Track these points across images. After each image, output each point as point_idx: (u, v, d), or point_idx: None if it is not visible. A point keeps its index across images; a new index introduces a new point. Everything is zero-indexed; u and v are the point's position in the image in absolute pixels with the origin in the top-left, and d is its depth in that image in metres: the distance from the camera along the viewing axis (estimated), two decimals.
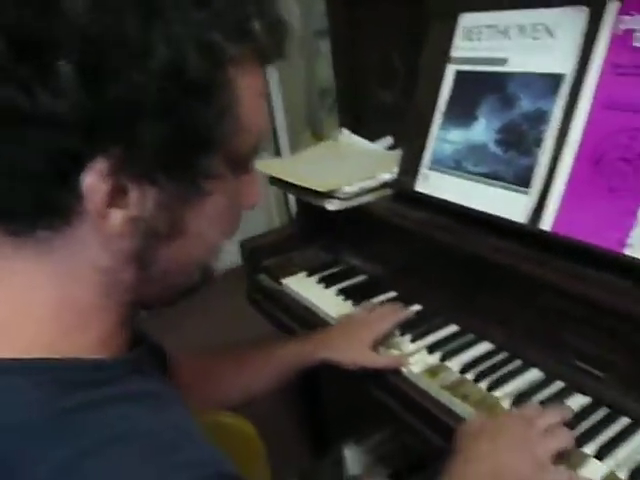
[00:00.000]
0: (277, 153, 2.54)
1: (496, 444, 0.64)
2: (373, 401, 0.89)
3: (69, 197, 0.41)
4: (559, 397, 0.75)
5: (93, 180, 0.40)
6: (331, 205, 0.99)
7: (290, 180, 1.05)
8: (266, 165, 1.14)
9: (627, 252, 0.68)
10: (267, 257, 1.20)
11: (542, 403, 0.74)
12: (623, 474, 0.63)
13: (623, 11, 0.70)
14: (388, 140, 1.21)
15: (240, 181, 0.49)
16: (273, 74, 2.44)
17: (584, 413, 0.72)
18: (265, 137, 0.50)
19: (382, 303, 1.00)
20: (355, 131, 1.27)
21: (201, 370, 0.84)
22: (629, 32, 0.70)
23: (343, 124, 1.30)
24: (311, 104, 2.54)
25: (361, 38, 1.22)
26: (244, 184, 0.50)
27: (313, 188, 0.99)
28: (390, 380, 0.85)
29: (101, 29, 0.37)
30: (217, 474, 0.43)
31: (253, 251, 1.21)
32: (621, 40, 0.70)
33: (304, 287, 1.10)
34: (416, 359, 0.86)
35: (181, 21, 0.39)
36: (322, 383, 1.35)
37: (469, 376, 0.81)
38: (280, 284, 1.13)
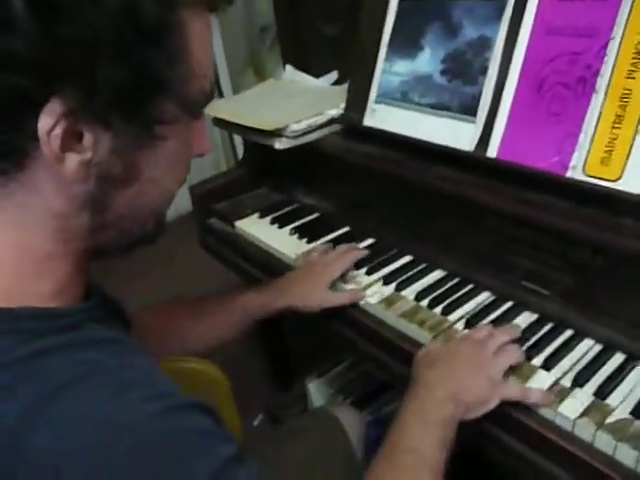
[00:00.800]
0: (219, 94, 2.46)
1: (452, 368, 0.67)
2: (334, 335, 0.92)
3: (24, 140, 0.41)
4: (508, 316, 0.80)
5: (48, 122, 0.40)
6: (279, 144, 0.98)
7: (235, 120, 1.03)
8: (209, 106, 1.11)
9: (569, 174, 0.70)
10: (217, 201, 1.19)
11: (494, 322, 0.78)
12: (567, 382, 0.68)
13: None
14: (333, 75, 1.19)
15: (191, 127, 0.49)
16: None
17: (531, 328, 0.77)
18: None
19: (337, 239, 1.02)
20: (299, 67, 1.24)
21: (162, 322, 0.84)
22: None
23: (286, 61, 1.27)
24: (252, 42, 2.45)
25: None
26: (194, 131, 0.50)
27: (260, 127, 0.97)
28: (349, 313, 0.87)
29: None
30: (182, 404, 0.44)
31: (203, 195, 1.19)
32: None
33: (257, 228, 1.10)
34: (373, 290, 0.88)
35: None
36: (284, 321, 1.38)
37: (424, 303, 0.84)
38: (233, 227, 1.13)
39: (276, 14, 1.24)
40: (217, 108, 1.12)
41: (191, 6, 0.44)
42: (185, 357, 0.83)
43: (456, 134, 0.82)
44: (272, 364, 1.49)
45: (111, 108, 0.41)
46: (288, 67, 1.24)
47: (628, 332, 0.70)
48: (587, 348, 0.73)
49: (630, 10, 0.65)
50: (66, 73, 0.39)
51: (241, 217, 1.13)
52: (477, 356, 0.68)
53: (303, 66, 1.24)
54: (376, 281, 0.90)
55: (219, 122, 1.10)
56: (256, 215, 1.14)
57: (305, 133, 1.00)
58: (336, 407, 0.99)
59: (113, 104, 0.41)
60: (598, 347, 0.73)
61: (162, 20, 0.41)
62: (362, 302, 0.87)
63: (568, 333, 0.75)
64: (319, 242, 1.01)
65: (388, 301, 0.86)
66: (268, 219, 1.12)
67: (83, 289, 0.51)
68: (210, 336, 0.87)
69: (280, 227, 1.09)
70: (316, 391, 1.31)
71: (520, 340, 0.73)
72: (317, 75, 1.21)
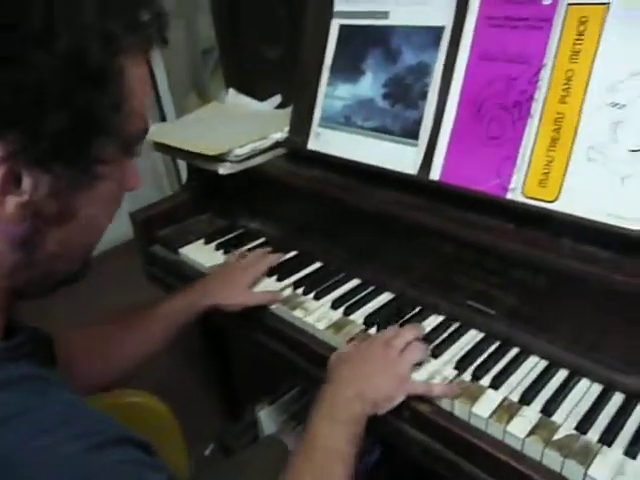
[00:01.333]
0: (162, 118, 2.41)
1: (361, 368, 0.71)
2: (284, 362, 0.90)
3: None
4: (456, 335, 0.80)
5: None
6: (223, 169, 0.97)
7: (178, 145, 1.01)
8: (150, 131, 1.08)
9: (509, 197, 0.72)
10: (160, 227, 1.15)
11: (443, 343, 0.78)
12: (515, 399, 0.69)
13: None
14: (277, 98, 1.19)
15: (125, 165, 0.51)
16: None
17: (479, 346, 0.78)
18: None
19: (284, 264, 1.01)
20: (242, 90, 1.24)
21: (90, 342, 0.83)
22: None
23: (229, 84, 1.26)
24: (194, 65, 2.43)
25: None
26: (129, 167, 0.52)
27: (203, 152, 0.95)
28: (298, 340, 0.86)
29: (4, 12, 0.38)
30: (112, 439, 0.44)
31: (145, 222, 1.16)
32: None
33: (202, 255, 1.07)
34: (321, 315, 0.87)
35: (83, 10, 0.41)
36: (231, 349, 1.35)
37: (373, 327, 0.83)
38: (177, 254, 1.10)
39: (217, 37, 1.23)
40: (159, 132, 1.10)
41: (131, 52, 0.45)
42: (125, 391, 0.80)
43: (399, 157, 0.82)
44: (221, 393, 1.45)
45: (53, 153, 0.42)
46: (231, 90, 1.23)
47: (571, 348, 0.72)
48: (533, 365, 0.74)
49: (559, 39, 0.68)
50: (9, 118, 0.39)
51: (185, 243, 1.11)
52: (385, 355, 0.72)
53: (246, 89, 1.23)
54: (325, 305, 0.89)
55: (161, 147, 1.08)
56: (201, 241, 1.11)
57: (249, 157, 0.99)
58: (287, 434, 0.98)
59: (55, 149, 0.42)
60: (543, 363, 0.74)
61: (106, 65, 0.43)
62: (310, 328, 0.86)
63: (514, 351, 0.77)
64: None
65: (337, 326, 0.85)
66: (213, 245, 1.10)
67: (3, 327, 0.49)
68: (139, 348, 0.86)
69: (226, 253, 1.07)
70: (267, 418, 1.29)
71: (467, 359, 0.75)
72: (261, 98, 1.20)
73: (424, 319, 0.84)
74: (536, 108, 0.70)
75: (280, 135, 1.02)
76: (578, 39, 0.66)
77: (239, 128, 1.08)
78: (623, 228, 0.63)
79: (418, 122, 0.81)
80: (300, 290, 0.94)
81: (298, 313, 0.89)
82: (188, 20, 2.31)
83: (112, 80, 0.44)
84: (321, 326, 0.85)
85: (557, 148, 0.68)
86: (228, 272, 0.95)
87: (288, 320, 0.89)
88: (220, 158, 0.97)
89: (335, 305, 0.89)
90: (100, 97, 0.43)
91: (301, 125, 0.97)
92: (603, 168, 0.65)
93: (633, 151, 0.63)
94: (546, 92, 0.69)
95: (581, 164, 0.66)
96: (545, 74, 0.69)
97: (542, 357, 0.75)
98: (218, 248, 1.09)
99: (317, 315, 0.88)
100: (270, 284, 0.96)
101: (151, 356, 0.87)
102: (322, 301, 0.91)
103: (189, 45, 2.38)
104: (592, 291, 0.66)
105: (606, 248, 0.66)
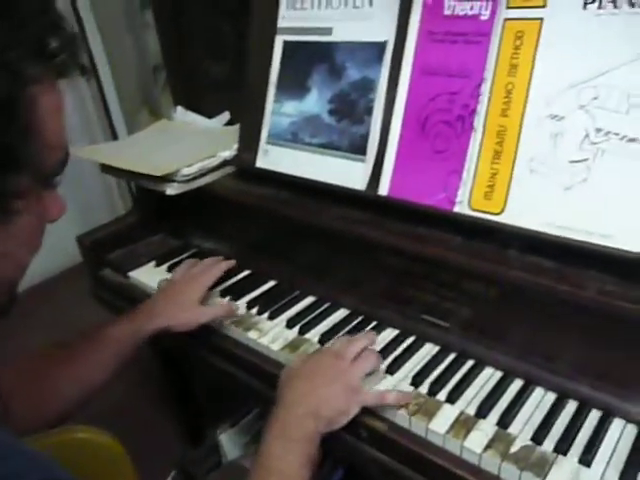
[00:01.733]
0: (114, 136, 2.36)
1: (312, 383, 0.69)
2: (241, 386, 0.88)
3: None
4: (412, 349, 0.80)
5: None
6: (171, 189, 0.94)
7: (123, 166, 0.98)
8: (94, 151, 1.05)
9: (456, 210, 0.72)
10: (109, 250, 1.12)
11: (399, 358, 0.78)
12: (472, 412, 0.68)
13: None
14: (226, 115, 1.17)
15: (45, 197, 0.49)
16: (99, 51, 2.25)
17: (435, 360, 0.77)
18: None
19: (238, 283, 0.99)
20: (191, 108, 1.22)
21: (24, 378, 0.78)
22: (439, 0, 0.73)
23: (177, 102, 1.24)
24: (145, 81, 2.39)
25: (186, 6, 1.15)
26: (48, 199, 0.50)
27: (149, 173, 0.93)
28: (253, 362, 0.84)
29: None
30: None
31: (93, 245, 1.12)
32: (433, 8, 0.74)
33: (154, 278, 1.04)
34: (276, 335, 0.86)
35: None
36: (189, 370, 1.31)
37: (329, 344, 0.82)
38: (127, 277, 1.06)
39: (163, 54, 1.21)
40: (103, 153, 1.07)
41: (40, 81, 0.44)
42: (71, 427, 0.76)
43: (348, 173, 0.82)
44: (181, 417, 1.41)
45: None
46: (179, 108, 1.21)
47: (524, 358, 0.72)
48: (488, 376, 0.74)
49: (498, 54, 0.69)
50: None
51: (136, 266, 1.08)
52: (335, 366, 0.70)
53: (195, 106, 1.21)
54: (279, 325, 0.88)
55: (107, 168, 1.05)
56: (152, 264, 1.08)
57: (197, 177, 0.97)
58: (250, 458, 0.95)
59: None
60: (498, 374, 0.74)
61: (13, 97, 0.41)
62: (265, 349, 0.84)
63: (470, 363, 0.76)
64: (220, 288, 0.98)
65: (292, 346, 0.83)
66: (165, 267, 1.07)
67: None
68: (85, 378, 0.82)
69: None
70: (228, 442, 1.25)
71: (423, 372, 0.74)
72: (209, 115, 1.19)
73: (379, 334, 0.84)
74: (479, 121, 0.70)
75: (229, 153, 1.00)
76: (515, 53, 0.67)
77: (187, 146, 1.06)
78: (567, 238, 0.64)
79: (365, 138, 0.80)
80: (254, 310, 0.92)
81: (252, 334, 0.87)
82: (137, 35, 2.27)
83: (22, 112, 0.42)
84: (276, 347, 0.83)
85: (501, 161, 0.69)
86: (175, 288, 0.90)
87: (242, 342, 0.87)
88: (167, 178, 0.95)
89: (290, 324, 0.87)
90: (10, 130, 0.42)
91: (249, 143, 0.96)
92: (545, 179, 0.65)
93: (573, 162, 0.64)
94: (487, 105, 0.69)
95: (524, 176, 0.67)
96: (486, 88, 0.70)
97: (497, 368, 0.75)
98: (170, 270, 1.06)
99: (272, 335, 0.86)
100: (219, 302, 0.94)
101: (97, 387, 0.82)
102: (277, 320, 0.89)
103: (139, 61, 2.34)
104: (539, 301, 0.67)
105: (551, 258, 0.66)
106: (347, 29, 0.83)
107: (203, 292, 0.88)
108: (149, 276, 1.05)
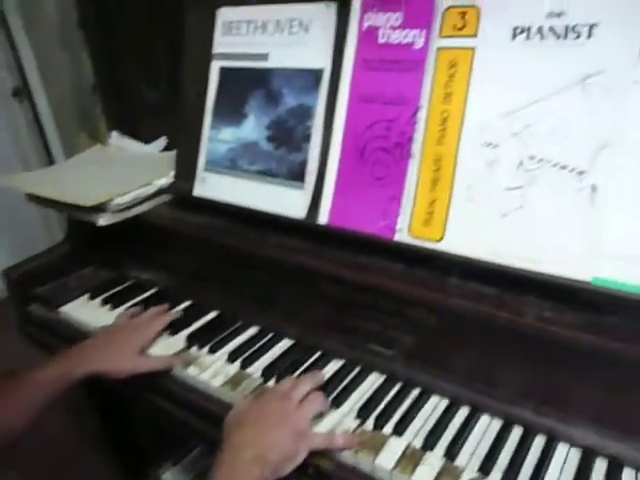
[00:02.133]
0: (50, 161, 2.27)
1: (259, 426, 0.67)
2: (180, 424, 0.84)
3: None
4: (358, 379, 0.78)
5: None
6: (102, 220, 0.90)
7: (51, 196, 0.93)
8: (20, 180, 0.99)
9: (397, 238, 0.71)
10: (38, 284, 1.05)
11: (344, 391, 0.76)
12: (419, 443, 0.67)
13: (366, 8, 0.73)
14: (162, 141, 1.13)
15: None
16: (33, 70, 2.16)
17: (382, 389, 0.76)
18: None
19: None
20: (127, 132, 1.17)
21: None
22: (374, 29, 0.73)
23: (113, 126, 1.19)
24: (83, 102, 2.31)
25: (118, 28, 1.11)
26: None
27: (78, 203, 0.88)
28: (193, 400, 0.80)
29: None
30: None
31: (20, 279, 1.05)
32: (367, 36, 0.73)
33: (87, 312, 0.99)
34: (217, 370, 0.82)
35: None
36: (128, 407, 1.25)
37: (272, 381, 0.79)
38: (57, 313, 1.00)
39: (96, 76, 1.17)
40: (30, 182, 1.01)
41: None
42: None
43: (287, 201, 0.80)
44: (121, 457, 1.34)
45: None
46: (114, 133, 1.17)
47: (469, 385, 0.71)
48: (434, 405, 0.73)
49: (432, 82, 0.69)
50: None
51: (67, 301, 1.02)
52: (282, 409, 0.68)
53: (131, 131, 1.17)
54: (220, 359, 0.84)
55: (34, 198, 0.99)
56: (85, 297, 1.03)
57: (131, 206, 0.93)
58: None
59: None
60: (444, 403, 0.73)
61: None
62: (205, 386, 0.80)
63: (415, 392, 0.75)
64: None
65: (233, 381, 0.80)
66: (99, 300, 1.01)
67: None
68: (8, 423, 0.76)
69: (113, 308, 0.99)
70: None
71: (370, 404, 0.72)
72: (146, 141, 1.15)
73: (324, 365, 0.81)
74: (416, 149, 0.70)
75: (165, 180, 0.97)
76: (449, 82, 0.67)
77: (122, 174, 1.02)
78: (504, 265, 0.64)
79: (303, 165, 0.79)
80: (194, 343, 0.88)
81: (192, 370, 0.83)
82: (73, 54, 2.19)
83: None
84: (217, 383, 0.80)
85: (438, 188, 0.68)
86: (114, 335, 0.86)
87: (181, 379, 0.83)
88: (99, 208, 0.90)
89: (231, 358, 0.84)
90: None
91: (186, 170, 0.93)
92: (483, 206, 0.66)
93: (509, 189, 0.64)
94: (424, 133, 0.69)
95: (462, 203, 0.67)
96: (422, 115, 0.69)
97: (443, 396, 0.74)
98: (105, 303, 1.00)
99: (212, 371, 0.82)
100: (162, 340, 0.90)
101: (19, 432, 0.77)
102: (218, 354, 0.86)
103: (76, 81, 2.26)
104: (480, 328, 0.66)
105: (491, 285, 0.66)
106: (283, 55, 0.81)
107: (144, 343, 0.85)
108: (82, 310, 1.00)
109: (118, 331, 0.87)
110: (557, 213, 0.61)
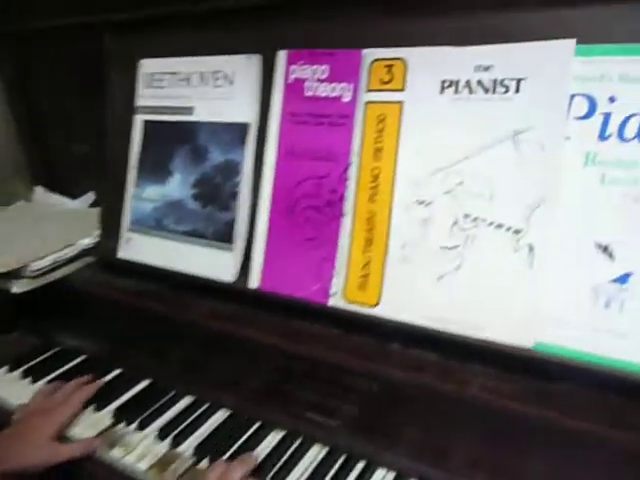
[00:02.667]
0: None
1: None
2: None
3: None
4: (299, 453, 0.72)
5: None
6: (16, 287, 0.82)
7: None
8: None
9: (331, 302, 0.67)
10: None
11: (286, 464, 0.70)
12: None
13: (291, 60, 0.70)
14: (90, 196, 1.07)
15: None
16: None
17: (325, 463, 0.70)
18: None
19: (109, 384, 0.87)
20: (52, 187, 1.10)
21: None
22: (300, 81, 0.69)
23: (37, 181, 1.12)
24: (14, 148, 2.21)
25: (38, 81, 1.05)
26: None
27: None
28: None
29: None
30: None
31: None
32: (294, 89, 0.70)
33: (4, 387, 0.89)
34: (144, 451, 0.75)
35: None
36: None
37: (205, 460, 0.72)
38: None
39: (18, 129, 1.10)
40: None
41: None
42: None
43: (215, 264, 0.75)
44: None
45: None
46: (38, 189, 1.09)
47: (417, 458, 0.66)
48: (381, 478, 0.68)
49: (362, 137, 0.65)
50: None
51: None
52: None
53: (56, 186, 1.10)
54: (149, 437, 0.77)
55: None
56: (4, 369, 0.94)
57: (52, 270, 0.86)
58: None
59: None
60: (391, 476, 0.68)
61: None
62: (131, 470, 0.72)
63: (360, 465, 0.70)
64: None
65: (162, 463, 0.72)
66: (18, 373, 0.92)
67: None
68: None
69: (34, 381, 0.90)
70: None
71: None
72: (73, 196, 1.08)
73: (263, 438, 0.75)
74: (348, 207, 0.66)
75: (89, 241, 0.90)
76: (379, 137, 0.64)
77: (43, 233, 0.95)
78: (444, 332, 0.60)
79: (232, 225, 0.74)
80: (122, 419, 0.80)
81: (117, 452, 0.75)
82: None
83: None
84: (143, 466, 0.72)
85: (373, 248, 0.64)
86: (25, 424, 0.76)
87: (107, 462, 0.75)
88: (14, 274, 0.83)
89: (162, 434, 0.76)
90: None
91: (111, 230, 0.87)
92: (419, 268, 0.62)
93: (444, 249, 0.60)
94: (355, 191, 0.65)
95: (397, 265, 0.63)
96: (353, 172, 0.66)
97: (390, 469, 0.68)
98: (25, 376, 0.92)
99: (140, 451, 0.75)
100: (86, 417, 0.81)
101: None
102: (147, 431, 0.78)
103: (7, 125, 2.16)
104: (424, 398, 0.62)
105: (433, 352, 0.62)
106: (208, 109, 0.77)
107: (60, 425, 0.76)
108: (1, 385, 0.90)
109: (30, 418, 0.77)
110: (495, 275, 0.57)
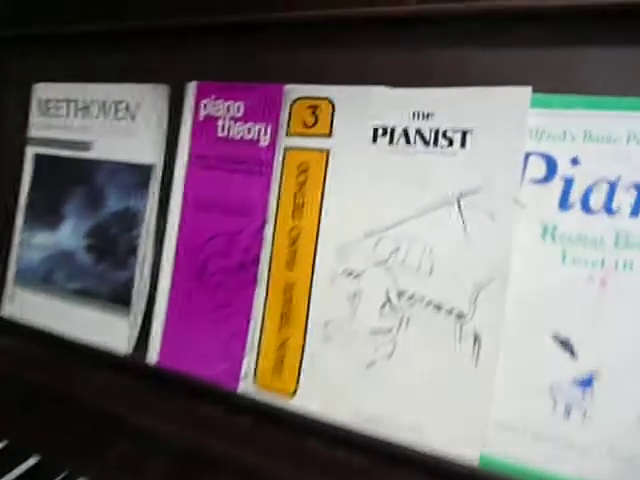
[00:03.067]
0: None
1: None
2: None
3: None
4: None
5: None
6: None
7: None
8: None
9: (241, 387, 0.55)
10: None
11: None
12: None
13: (202, 94, 0.59)
14: None
15: None
16: None
17: None
18: None
19: None
20: None
21: None
22: (212, 119, 0.58)
23: None
24: None
25: None
26: None
27: None
28: None
29: None
30: None
31: None
32: (204, 127, 0.59)
33: None
34: None
35: None
36: None
37: None
38: None
39: None
40: None
41: None
42: None
43: (109, 331, 0.62)
44: None
45: None
46: None
47: None
48: None
49: (280, 190, 0.54)
50: None
51: None
52: None
53: None
54: None
55: None
56: None
57: None
58: None
59: None
60: None
61: None
62: None
63: None
64: None
65: None
66: None
67: None
68: None
69: None
70: None
71: None
72: None
73: None
74: (262, 273, 0.55)
75: None
76: (300, 191, 0.53)
77: None
78: (371, 433, 0.49)
79: (129, 285, 0.62)
80: None
81: None
82: None
83: None
84: None
85: (290, 325, 0.53)
86: None
87: None
88: None
89: None
90: None
91: None
92: (344, 351, 0.51)
93: (374, 331, 0.49)
94: (271, 254, 0.54)
95: (319, 346, 0.52)
96: (269, 231, 0.55)
97: None
98: None
99: None
100: None
101: None
102: None
103: None
104: None
105: (360, 454, 0.51)
106: (109, 145, 0.65)
107: None
108: None
109: None
110: (433, 369, 0.47)
